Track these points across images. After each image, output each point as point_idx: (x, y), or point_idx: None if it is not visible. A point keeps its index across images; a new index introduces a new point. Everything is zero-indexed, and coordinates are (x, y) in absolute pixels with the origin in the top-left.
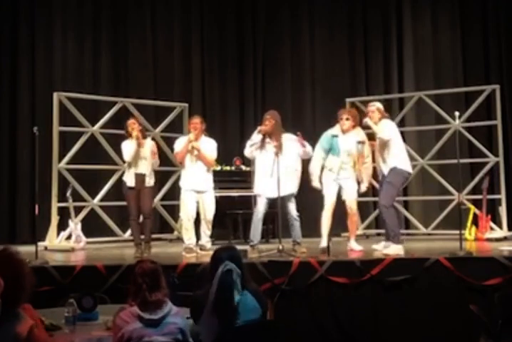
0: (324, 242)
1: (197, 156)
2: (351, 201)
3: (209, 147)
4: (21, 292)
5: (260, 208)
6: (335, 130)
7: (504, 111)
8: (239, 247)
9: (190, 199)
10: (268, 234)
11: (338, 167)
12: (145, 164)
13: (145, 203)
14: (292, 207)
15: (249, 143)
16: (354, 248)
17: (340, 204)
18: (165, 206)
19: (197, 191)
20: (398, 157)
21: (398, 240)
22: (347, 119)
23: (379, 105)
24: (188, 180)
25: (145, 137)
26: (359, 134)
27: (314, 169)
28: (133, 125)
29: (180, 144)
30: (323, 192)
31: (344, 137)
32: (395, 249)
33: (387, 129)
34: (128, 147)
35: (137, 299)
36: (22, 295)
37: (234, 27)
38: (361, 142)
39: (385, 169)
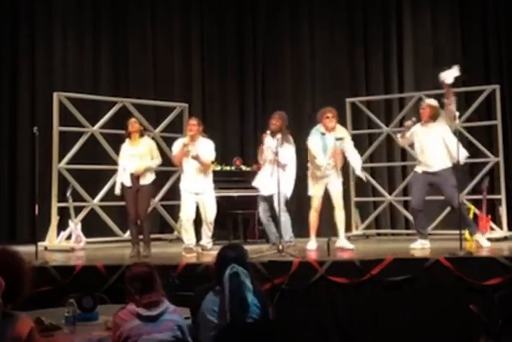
0: (312, 244)
1: (194, 158)
2: (337, 192)
3: (206, 148)
4: (21, 292)
5: (260, 209)
6: (319, 128)
7: (504, 111)
8: None
9: (189, 201)
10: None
11: (326, 163)
12: (138, 164)
13: (142, 204)
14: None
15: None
16: (345, 246)
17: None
18: (165, 206)
19: (196, 192)
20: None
21: None
22: (333, 117)
23: (429, 101)
24: (186, 182)
25: (141, 135)
26: (339, 130)
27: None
28: (134, 124)
29: (177, 146)
30: (309, 193)
31: (328, 136)
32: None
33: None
34: (122, 151)
35: (132, 301)
36: (21, 295)
37: (234, 27)
38: (340, 139)
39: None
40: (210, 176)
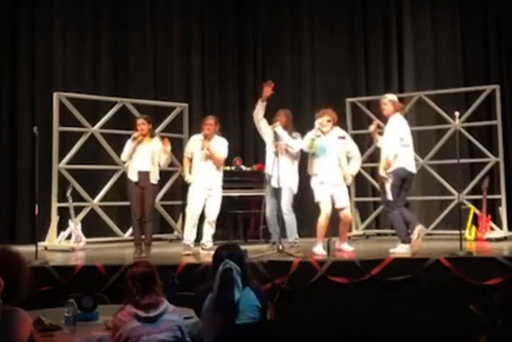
0: (319, 248)
1: (208, 155)
2: (346, 209)
3: (220, 145)
4: (19, 291)
5: (267, 208)
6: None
7: (504, 111)
8: None
9: (199, 196)
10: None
11: (325, 168)
12: (147, 162)
13: (148, 203)
14: (283, 201)
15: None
16: (346, 249)
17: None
18: (165, 206)
19: (207, 187)
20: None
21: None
22: (328, 121)
23: (392, 96)
24: (198, 177)
25: (152, 135)
26: (338, 131)
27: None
28: (142, 126)
29: (193, 143)
30: (316, 200)
31: (326, 138)
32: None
33: (392, 130)
34: (126, 147)
35: (131, 301)
36: (19, 294)
37: (234, 27)
38: (342, 137)
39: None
40: (221, 174)
